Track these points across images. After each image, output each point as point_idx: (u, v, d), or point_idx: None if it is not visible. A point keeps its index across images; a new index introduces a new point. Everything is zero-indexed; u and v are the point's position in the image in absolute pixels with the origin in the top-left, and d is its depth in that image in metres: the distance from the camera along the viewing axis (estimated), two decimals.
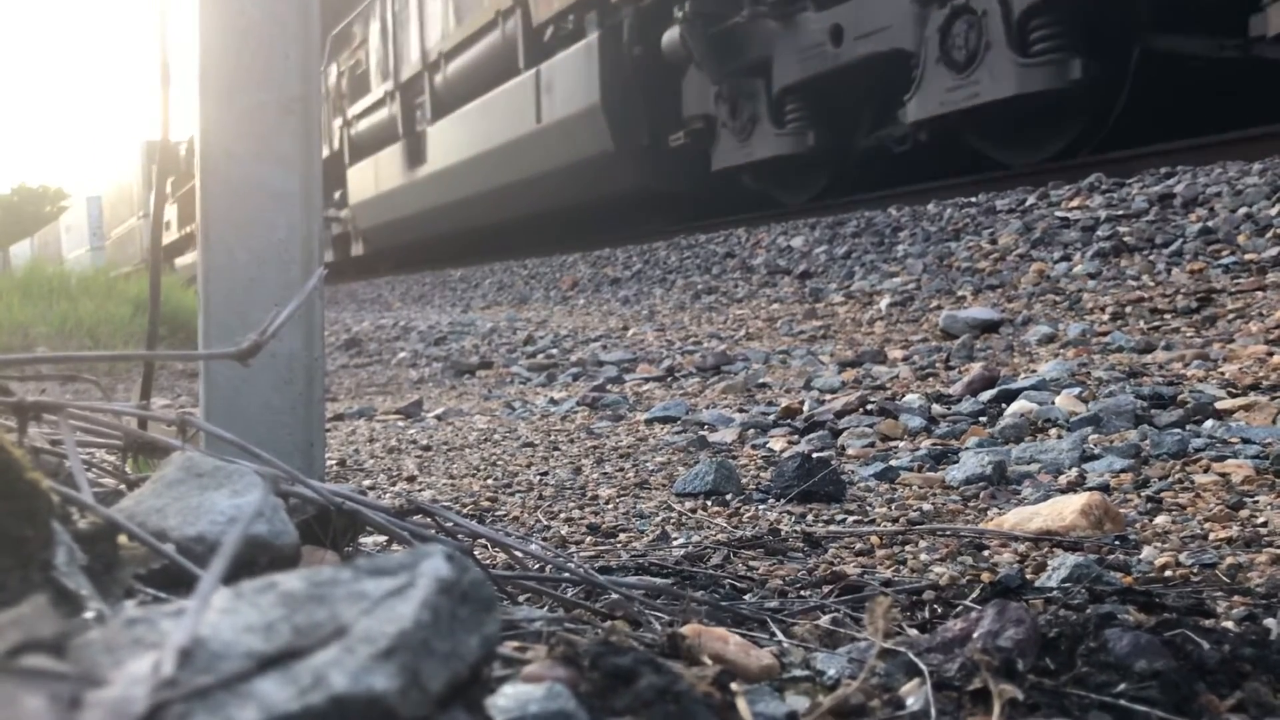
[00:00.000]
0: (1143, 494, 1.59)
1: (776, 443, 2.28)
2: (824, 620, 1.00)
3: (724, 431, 2.46)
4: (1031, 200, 5.64)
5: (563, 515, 1.73)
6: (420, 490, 2.05)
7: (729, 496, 1.79)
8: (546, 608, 1.05)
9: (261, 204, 1.23)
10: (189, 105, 1.25)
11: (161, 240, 1.35)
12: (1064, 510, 1.41)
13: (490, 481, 2.09)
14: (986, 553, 1.35)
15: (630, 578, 1.24)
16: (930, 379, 2.97)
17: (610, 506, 1.78)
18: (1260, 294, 3.44)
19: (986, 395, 2.46)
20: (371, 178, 16.35)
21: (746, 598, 1.17)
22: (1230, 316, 3.25)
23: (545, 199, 11.79)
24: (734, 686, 0.73)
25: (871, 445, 2.18)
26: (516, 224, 13.29)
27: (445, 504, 1.82)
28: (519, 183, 11.78)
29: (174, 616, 0.50)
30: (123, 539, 0.75)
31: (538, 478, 2.09)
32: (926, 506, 1.63)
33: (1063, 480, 1.72)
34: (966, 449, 2.00)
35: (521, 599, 1.10)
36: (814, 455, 1.94)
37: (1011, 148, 7.07)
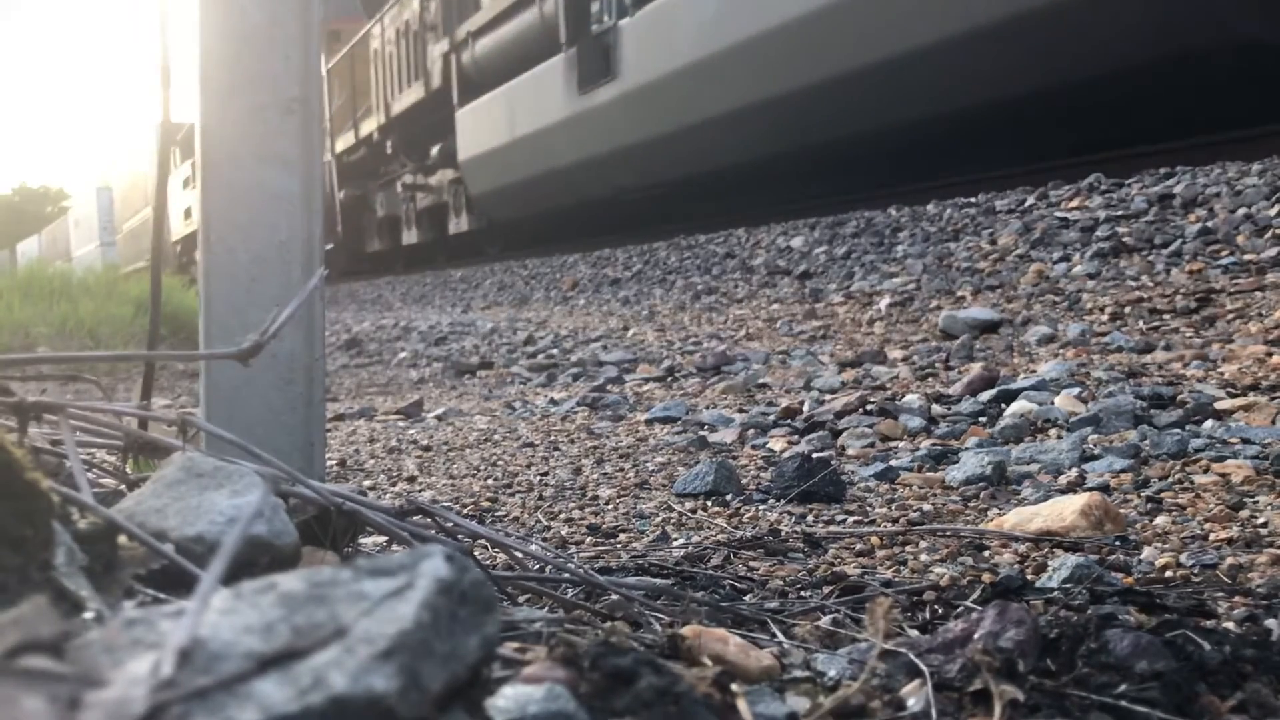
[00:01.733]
0: (1143, 494, 1.58)
1: (776, 443, 2.28)
2: (824, 621, 1.00)
3: (724, 432, 2.46)
4: (1031, 200, 5.64)
5: (563, 516, 1.73)
6: (420, 490, 2.05)
7: (729, 497, 1.79)
8: (546, 608, 1.05)
9: (263, 205, 1.23)
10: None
11: (163, 240, 1.35)
12: (1064, 511, 1.41)
13: (490, 482, 2.09)
14: (987, 553, 1.35)
15: (630, 578, 1.24)
16: (930, 379, 2.97)
17: (610, 507, 1.78)
18: (1259, 294, 3.43)
19: (986, 395, 2.46)
20: (500, 117, 11.24)
21: (746, 598, 1.17)
22: (1229, 317, 3.25)
23: (954, 87, 6.48)
24: (734, 687, 0.73)
25: (871, 445, 2.18)
26: (839, 149, 7.57)
27: (445, 504, 1.82)
28: (878, 67, 6.66)
29: (173, 617, 0.50)
30: (122, 539, 0.75)
31: (538, 478, 2.09)
32: (926, 507, 1.63)
33: (1063, 480, 1.72)
34: (966, 449, 2.00)
35: (521, 599, 1.10)
36: (814, 455, 1.94)
37: None
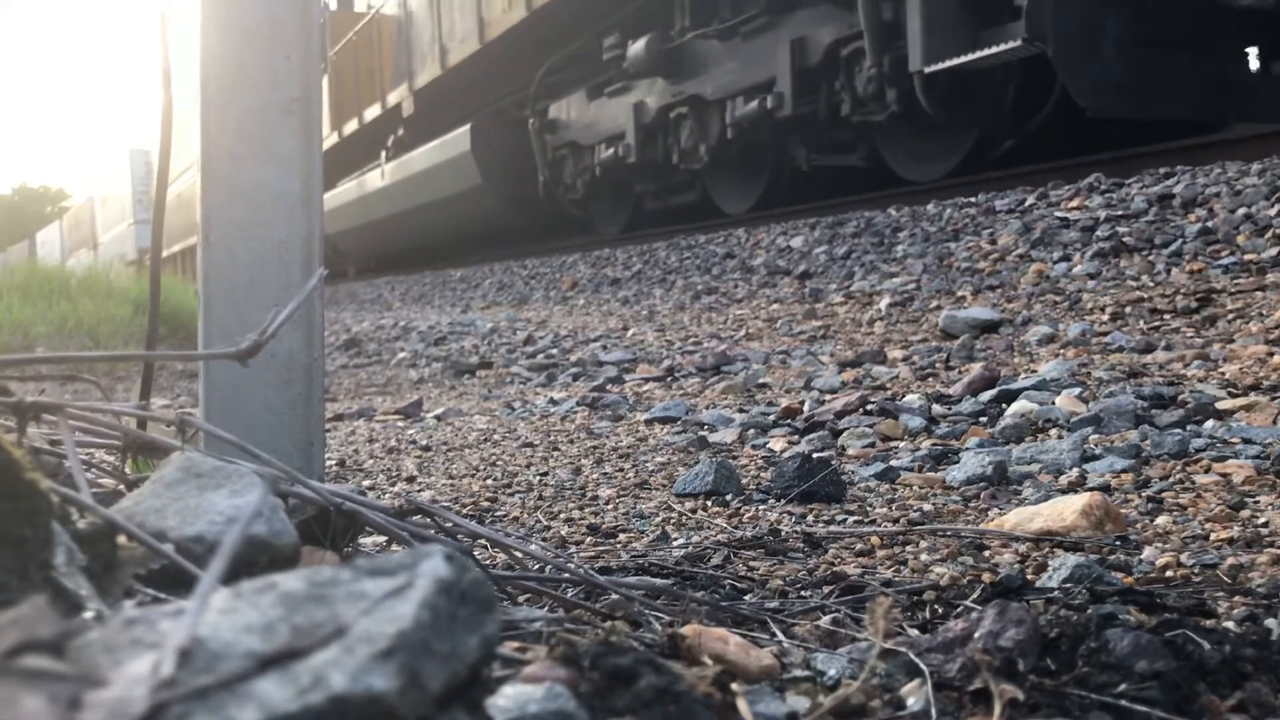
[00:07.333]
0: (1143, 494, 1.58)
1: (776, 443, 2.28)
2: (824, 620, 1.00)
3: (724, 432, 2.46)
4: (1031, 200, 5.64)
5: (563, 515, 1.73)
6: (420, 490, 2.05)
7: (729, 497, 1.78)
8: (546, 608, 1.05)
9: (262, 204, 1.23)
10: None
11: (163, 237, 1.35)
12: (1065, 510, 1.40)
13: (490, 482, 2.08)
14: (987, 553, 1.34)
15: (630, 578, 1.24)
16: (930, 379, 2.97)
17: (610, 507, 1.78)
18: (1260, 294, 3.43)
19: (987, 395, 2.46)
20: None
21: (747, 598, 1.17)
22: (1230, 317, 3.25)
23: None
24: (734, 687, 0.73)
25: (872, 445, 2.17)
26: None
27: (445, 504, 1.81)
28: None
29: (173, 617, 0.50)
30: (122, 539, 0.75)
31: (537, 478, 2.09)
32: (927, 507, 1.63)
33: (1063, 480, 1.72)
34: (967, 449, 2.00)
35: (521, 599, 1.09)
36: (814, 455, 1.94)
37: None
